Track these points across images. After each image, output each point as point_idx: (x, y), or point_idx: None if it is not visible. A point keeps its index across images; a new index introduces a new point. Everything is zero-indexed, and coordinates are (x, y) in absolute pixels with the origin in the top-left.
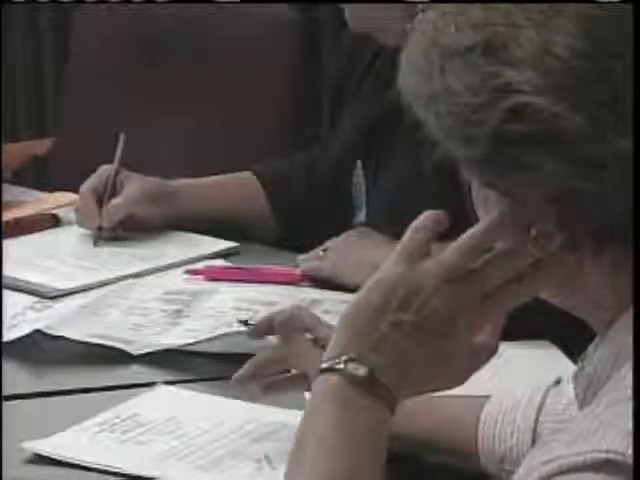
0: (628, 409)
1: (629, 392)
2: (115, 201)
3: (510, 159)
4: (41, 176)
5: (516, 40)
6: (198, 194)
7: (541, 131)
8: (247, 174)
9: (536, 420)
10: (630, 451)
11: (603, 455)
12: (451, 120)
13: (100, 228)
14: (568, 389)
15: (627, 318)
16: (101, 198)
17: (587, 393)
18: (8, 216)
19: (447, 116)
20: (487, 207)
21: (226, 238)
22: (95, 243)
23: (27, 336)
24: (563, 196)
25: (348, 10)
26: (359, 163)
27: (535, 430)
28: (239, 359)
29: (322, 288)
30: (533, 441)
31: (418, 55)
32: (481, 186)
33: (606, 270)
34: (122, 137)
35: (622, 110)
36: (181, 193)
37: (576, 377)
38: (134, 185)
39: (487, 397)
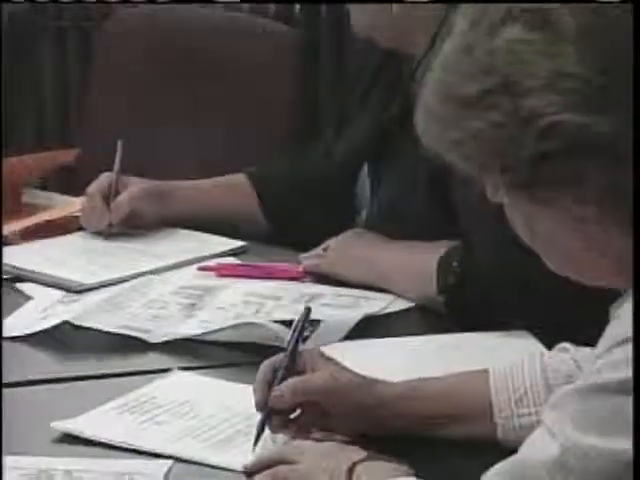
0: None
1: None
2: (120, 198)
3: (552, 175)
4: (69, 183)
5: (528, 73)
6: (193, 194)
7: (576, 145)
8: (240, 175)
9: (542, 367)
10: None
11: None
12: (483, 158)
13: (110, 224)
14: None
15: None
16: (107, 198)
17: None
18: (39, 219)
19: (478, 156)
20: (530, 222)
21: (220, 234)
22: (106, 237)
23: (57, 326)
24: (604, 191)
25: (352, 15)
26: (365, 167)
27: (546, 374)
28: (248, 347)
29: (322, 283)
30: (546, 385)
31: (435, 105)
32: (525, 204)
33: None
34: (120, 144)
35: (635, 104)
36: (177, 193)
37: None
38: (135, 185)
39: (483, 369)
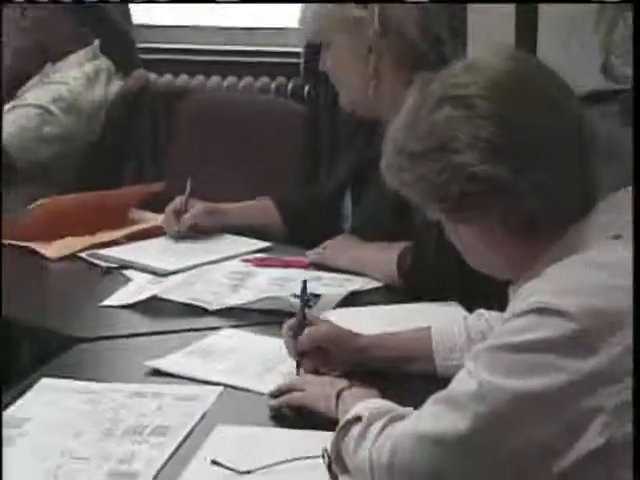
0: (541, 283)
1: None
2: (186, 215)
3: (473, 206)
4: (158, 204)
5: (456, 138)
6: (236, 212)
7: (488, 186)
8: (267, 199)
9: (466, 326)
10: (555, 301)
11: (534, 305)
12: (427, 193)
13: (179, 231)
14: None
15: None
16: (178, 214)
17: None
18: (137, 228)
19: (423, 191)
20: (458, 234)
21: (254, 238)
22: (176, 240)
23: (148, 299)
24: (507, 216)
25: (340, 95)
26: (348, 192)
27: (468, 331)
28: (273, 312)
29: (322, 271)
30: (468, 339)
31: (394, 158)
32: (454, 223)
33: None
34: (189, 181)
35: (535, 155)
36: (225, 211)
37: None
38: (197, 206)
39: (427, 327)
